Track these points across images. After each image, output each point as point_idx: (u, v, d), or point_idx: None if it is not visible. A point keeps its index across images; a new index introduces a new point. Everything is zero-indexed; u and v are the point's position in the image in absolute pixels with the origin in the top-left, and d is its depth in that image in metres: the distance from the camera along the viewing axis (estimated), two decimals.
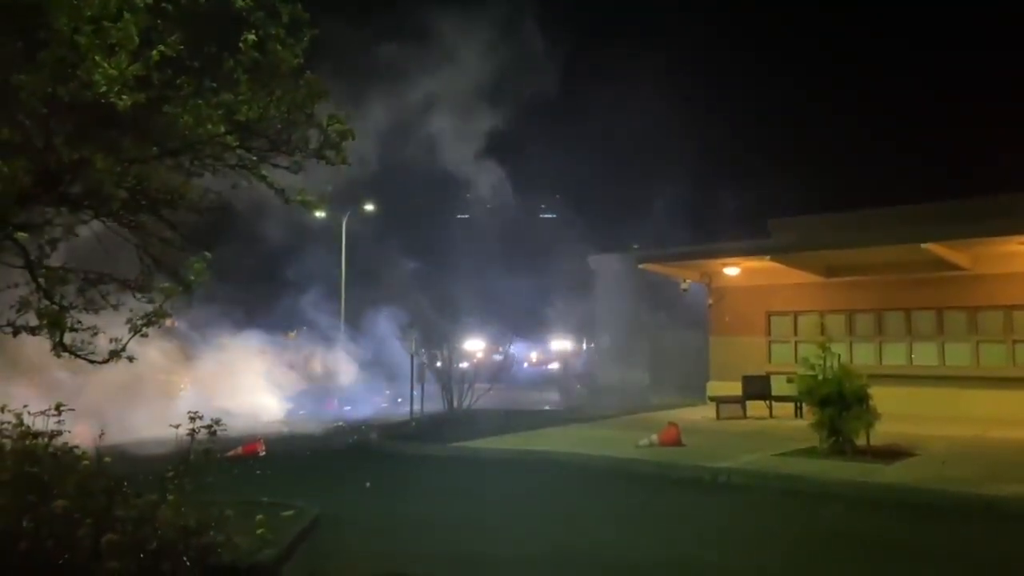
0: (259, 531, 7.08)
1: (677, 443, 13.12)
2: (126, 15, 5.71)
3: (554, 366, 39.13)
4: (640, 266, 21.78)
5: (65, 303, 6.22)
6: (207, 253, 6.67)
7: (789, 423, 15.97)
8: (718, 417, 17.45)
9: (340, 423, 20.86)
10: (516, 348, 28.44)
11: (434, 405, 20.89)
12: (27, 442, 6.26)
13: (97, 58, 5.64)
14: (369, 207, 39.67)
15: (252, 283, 24.95)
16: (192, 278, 6.52)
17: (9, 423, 6.35)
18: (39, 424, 6.46)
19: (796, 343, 19.76)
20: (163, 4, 5.87)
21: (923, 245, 16.22)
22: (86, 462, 6.35)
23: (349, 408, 24.41)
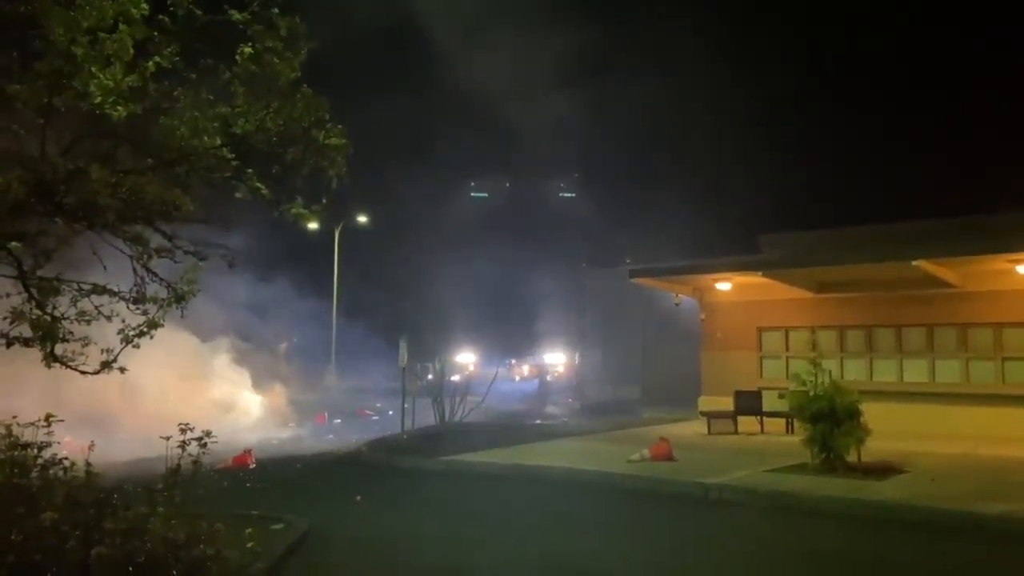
0: (249, 544, 7.05)
1: (668, 458, 13.10)
2: (122, 26, 5.73)
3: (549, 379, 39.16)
4: (632, 281, 21.81)
5: (58, 314, 6.19)
6: (201, 264, 6.67)
7: (780, 439, 15.97)
8: (709, 432, 17.43)
9: (330, 436, 20.79)
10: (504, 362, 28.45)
11: (426, 418, 20.83)
12: (16, 453, 6.22)
13: (93, 69, 5.66)
14: (362, 219, 39.62)
15: (244, 290, 24.72)
16: (186, 289, 6.51)
17: None
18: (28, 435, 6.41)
19: (787, 359, 19.78)
20: (159, 16, 5.88)
21: (913, 262, 16.30)
22: (75, 474, 6.30)
23: (340, 421, 24.34)
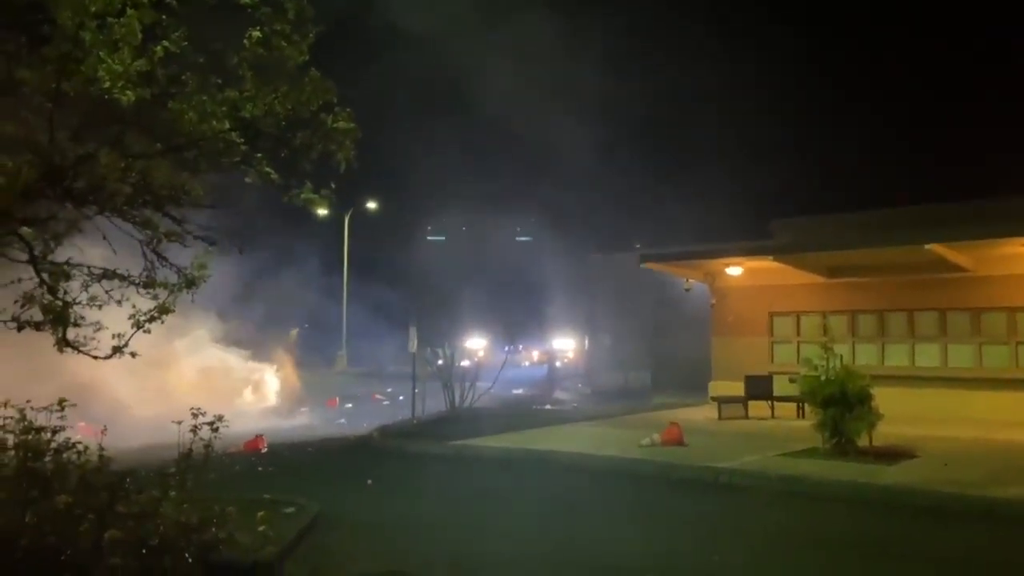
0: (260, 528, 7.08)
1: (679, 443, 13.10)
2: (129, 10, 5.71)
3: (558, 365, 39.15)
4: (642, 265, 21.75)
5: (69, 298, 6.21)
6: (211, 248, 6.67)
7: (791, 423, 15.95)
8: (720, 417, 17.42)
9: (342, 420, 20.89)
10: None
11: (436, 403, 20.88)
12: (30, 437, 6.26)
13: (101, 53, 5.64)
14: (372, 205, 39.65)
15: (250, 276, 24.73)
16: (196, 274, 6.52)
17: (12, 418, 6.34)
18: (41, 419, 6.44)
19: (799, 343, 19.72)
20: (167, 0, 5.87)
21: (926, 246, 16.17)
22: (88, 458, 6.34)
23: (351, 405, 24.44)
